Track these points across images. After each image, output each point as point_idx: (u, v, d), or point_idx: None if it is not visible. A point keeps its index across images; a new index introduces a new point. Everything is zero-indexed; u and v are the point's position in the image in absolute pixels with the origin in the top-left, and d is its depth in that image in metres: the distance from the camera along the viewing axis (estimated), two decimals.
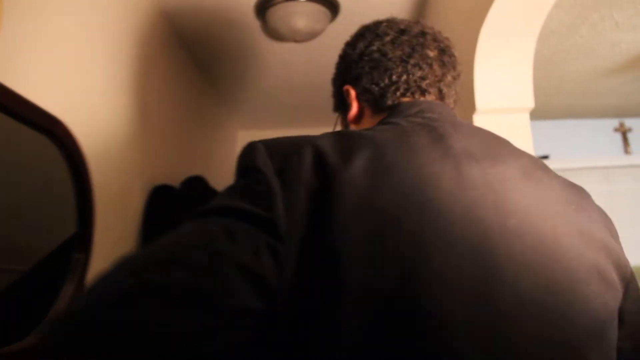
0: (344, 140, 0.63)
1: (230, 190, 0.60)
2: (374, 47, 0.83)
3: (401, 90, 0.80)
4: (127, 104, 1.79)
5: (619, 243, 0.71)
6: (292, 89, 3.12)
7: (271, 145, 0.62)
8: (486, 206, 0.60)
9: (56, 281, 1.35)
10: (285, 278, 0.52)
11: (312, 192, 0.56)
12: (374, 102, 0.82)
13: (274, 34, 2.29)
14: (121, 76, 1.74)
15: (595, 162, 3.45)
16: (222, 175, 3.20)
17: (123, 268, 0.48)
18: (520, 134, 1.41)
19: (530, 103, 1.40)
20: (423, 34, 0.83)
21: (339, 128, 0.92)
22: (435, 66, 0.81)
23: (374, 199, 0.56)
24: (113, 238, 1.63)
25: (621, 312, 0.67)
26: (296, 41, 2.15)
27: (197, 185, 2.28)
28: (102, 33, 1.60)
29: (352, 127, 0.87)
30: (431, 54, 0.82)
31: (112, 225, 1.63)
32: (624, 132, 3.64)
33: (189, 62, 2.61)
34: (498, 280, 0.57)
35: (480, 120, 1.41)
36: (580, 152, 3.58)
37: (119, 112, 1.72)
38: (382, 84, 0.81)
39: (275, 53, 2.63)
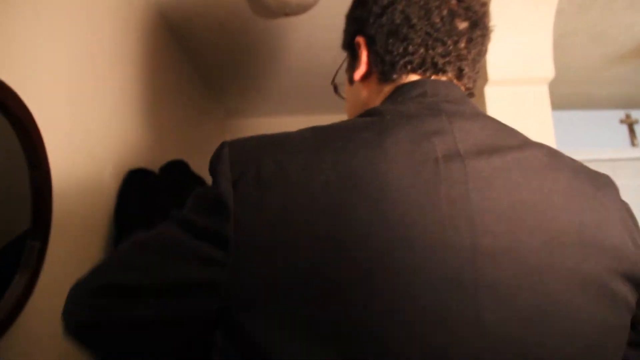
0: (312, 151, 0.60)
1: (192, 198, 0.64)
2: (399, 7, 0.73)
3: (414, 64, 0.73)
4: (101, 83, 1.64)
5: (637, 244, 0.64)
6: (282, 72, 2.96)
7: (236, 151, 0.62)
8: (457, 225, 0.55)
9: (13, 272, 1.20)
10: (231, 285, 0.55)
11: (264, 211, 0.56)
12: (382, 71, 0.75)
13: (262, 9, 2.12)
14: (95, 49, 1.57)
15: (600, 155, 3.31)
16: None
17: (100, 269, 0.65)
18: (538, 109, 1.24)
19: (550, 72, 1.23)
20: (458, 0, 0.73)
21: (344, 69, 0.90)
22: (462, 43, 0.73)
23: (329, 222, 0.54)
24: (78, 224, 1.46)
25: (635, 320, 0.63)
26: (286, 14, 1.98)
27: (177, 169, 2.11)
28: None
29: (356, 86, 0.82)
30: (461, 26, 0.73)
31: (77, 211, 1.45)
32: (630, 124, 3.51)
33: (175, 46, 2.49)
34: (460, 319, 0.53)
35: (492, 93, 1.24)
36: (585, 145, 3.43)
37: (91, 90, 1.55)
38: (395, 53, 0.73)
39: (264, 33, 2.46)
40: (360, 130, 0.62)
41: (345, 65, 0.88)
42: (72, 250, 1.41)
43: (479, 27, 0.75)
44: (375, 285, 0.51)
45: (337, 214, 0.54)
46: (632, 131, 3.50)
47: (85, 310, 0.62)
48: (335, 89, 0.95)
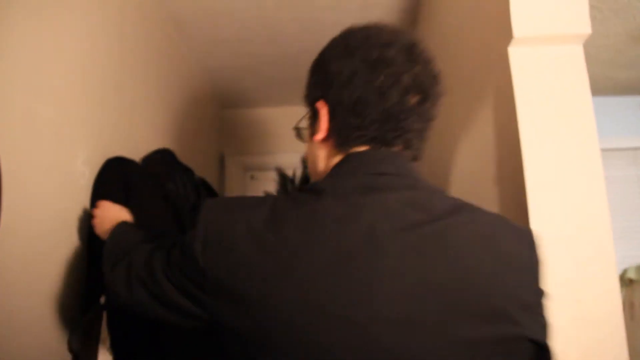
0: (264, 230, 0.74)
1: (177, 244, 0.84)
2: (359, 83, 0.83)
3: (366, 138, 0.84)
4: (80, 65, 1.47)
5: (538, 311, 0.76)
6: (279, 59, 2.76)
7: (212, 226, 0.77)
8: (354, 307, 0.68)
9: None
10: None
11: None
12: (337, 142, 0.86)
13: None
14: (80, 23, 1.38)
15: (620, 143, 3.11)
16: (207, 153, 3.06)
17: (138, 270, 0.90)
18: (571, 71, 1.05)
19: (586, 28, 1.03)
20: (411, 76, 0.83)
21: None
22: (412, 117, 0.83)
23: (261, 291, 0.71)
24: (42, 212, 1.27)
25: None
26: None
27: (162, 159, 1.92)
28: None
29: (315, 144, 0.91)
30: (412, 101, 0.83)
31: (41, 199, 1.27)
32: None
33: (170, 31, 2.34)
34: None
35: (518, 55, 1.05)
36: (603, 133, 3.21)
37: (60, 63, 1.37)
38: (351, 127, 0.84)
39: (260, 16, 2.27)
40: (297, 210, 0.75)
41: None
42: (25, 252, 1.22)
43: (429, 100, 0.86)
44: (287, 342, 0.70)
45: (267, 286, 0.70)
46: None
47: (129, 296, 0.89)
48: (298, 133, 1.05)
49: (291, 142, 3.44)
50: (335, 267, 0.70)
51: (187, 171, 1.97)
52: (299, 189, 0.82)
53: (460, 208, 0.77)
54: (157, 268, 0.84)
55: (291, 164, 3.25)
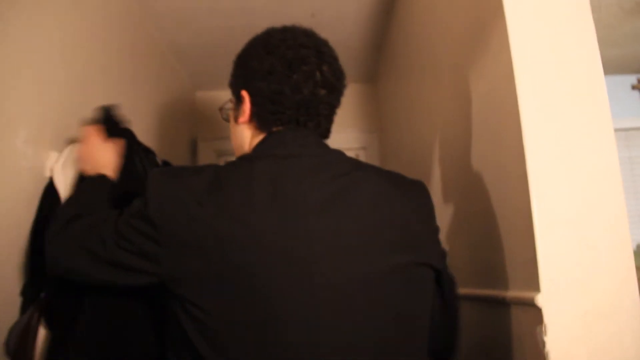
0: (207, 190, 0.88)
1: (131, 209, 0.94)
2: (276, 78, 1.00)
3: (283, 121, 1.01)
4: (25, 35, 1.29)
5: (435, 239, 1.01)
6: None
7: (163, 190, 0.90)
8: (294, 235, 0.85)
9: None
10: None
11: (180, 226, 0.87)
12: (259, 124, 1.04)
13: None
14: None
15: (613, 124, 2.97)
16: (178, 138, 2.94)
17: (75, 228, 1.01)
18: (575, 16, 0.91)
19: None
20: (321, 74, 1.02)
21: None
22: (321, 105, 1.02)
23: (214, 236, 0.84)
24: None
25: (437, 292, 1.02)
26: None
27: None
28: None
29: (240, 126, 1.09)
30: (321, 92, 1.02)
31: None
32: None
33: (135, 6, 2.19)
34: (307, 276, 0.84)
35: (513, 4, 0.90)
36: None
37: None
38: (270, 112, 1.01)
39: None
40: (236, 171, 0.93)
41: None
42: None
43: (334, 92, 1.05)
44: (247, 271, 0.83)
45: (221, 230, 0.84)
46: None
47: (68, 260, 0.99)
48: (223, 115, 1.24)
49: None
50: (272, 212, 0.85)
51: (148, 153, 1.79)
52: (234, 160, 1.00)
53: (362, 165, 1.00)
54: (107, 237, 0.93)
55: None
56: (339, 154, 1.00)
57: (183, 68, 3.02)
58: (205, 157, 3.16)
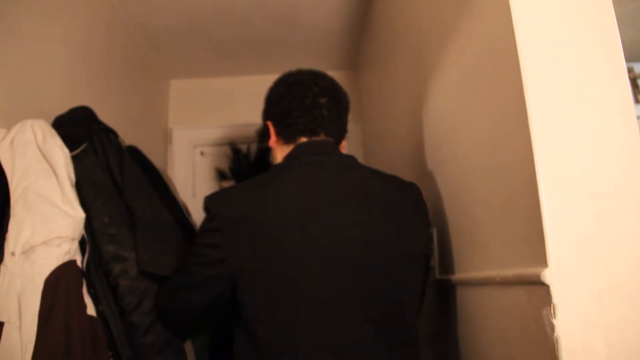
0: (249, 191, 1.21)
1: (198, 233, 1.28)
2: (284, 102, 1.33)
3: (299, 131, 1.30)
4: None
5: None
6: (225, 15, 2.45)
7: (218, 208, 1.21)
8: (309, 225, 1.12)
9: None
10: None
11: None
12: (284, 138, 1.34)
13: None
14: None
15: None
16: (151, 127, 2.84)
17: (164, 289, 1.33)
18: None
19: None
20: (318, 87, 1.32)
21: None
22: (324, 111, 1.30)
23: (262, 231, 1.13)
24: None
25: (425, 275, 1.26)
26: None
27: (78, 118, 1.59)
28: None
29: (273, 149, 1.41)
30: (322, 100, 1.31)
31: None
32: (633, 79, 3.06)
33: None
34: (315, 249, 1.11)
35: None
36: None
37: None
38: (287, 127, 1.32)
39: None
40: (270, 176, 1.23)
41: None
42: None
43: (334, 98, 1.35)
44: (286, 255, 1.10)
45: (262, 226, 1.12)
46: (635, 87, 3.07)
47: (170, 301, 1.31)
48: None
49: (245, 114, 3.14)
50: (301, 207, 1.14)
51: (108, 133, 1.64)
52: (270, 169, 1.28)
53: (367, 169, 1.29)
54: (188, 266, 1.25)
55: (245, 138, 2.94)
56: (350, 158, 1.30)
57: (156, 55, 2.88)
58: (181, 147, 3.01)
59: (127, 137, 1.89)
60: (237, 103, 3.11)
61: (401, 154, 1.85)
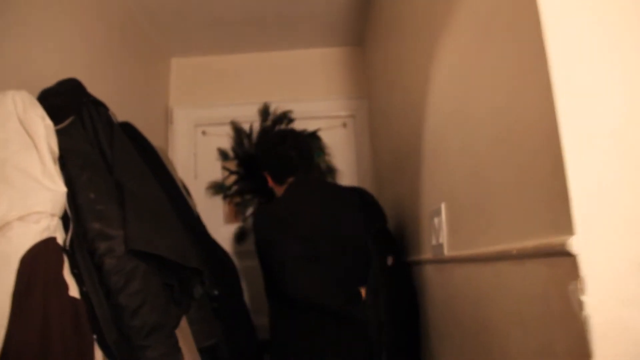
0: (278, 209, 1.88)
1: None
2: (274, 158, 2.02)
3: (287, 174, 1.98)
4: None
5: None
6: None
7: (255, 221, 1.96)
8: (319, 224, 1.81)
9: None
10: None
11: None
12: (277, 181, 2.03)
13: None
14: None
15: None
16: (152, 107, 2.76)
17: None
18: None
19: None
20: (293, 144, 2.02)
21: None
22: (295, 160, 1.98)
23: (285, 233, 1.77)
24: None
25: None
26: None
27: (66, 90, 1.50)
28: None
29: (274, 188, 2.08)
30: (293, 153, 1.99)
31: None
32: None
33: None
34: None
35: None
36: None
37: None
38: (278, 174, 2.01)
39: None
40: (287, 198, 1.91)
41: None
42: None
43: (303, 151, 2.03)
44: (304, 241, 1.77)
45: (289, 229, 1.78)
46: None
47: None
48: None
49: (248, 92, 3.04)
50: (305, 222, 1.80)
51: (98, 106, 1.55)
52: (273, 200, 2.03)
53: (338, 187, 2.16)
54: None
55: (248, 116, 2.84)
56: (328, 184, 2.33)
57: (157, 33, 2.79)
58: (182, 127, 2.92)
59: (127, 116, 1.84)
60: (240, 81, 3.01)
61: (408, 128, 1.75)
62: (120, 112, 1.76)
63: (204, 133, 2.94)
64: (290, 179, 1.95)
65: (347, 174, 2.84)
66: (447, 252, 1.25)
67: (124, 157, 1.47)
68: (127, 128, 1.81)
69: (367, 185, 2.80)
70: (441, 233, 1.28)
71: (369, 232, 1.85)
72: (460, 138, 1.15)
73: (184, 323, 1.45)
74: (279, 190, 1.99)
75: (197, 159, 2.92)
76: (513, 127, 0.84)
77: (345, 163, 2.87)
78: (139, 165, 1.52)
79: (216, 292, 1.63)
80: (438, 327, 1.44)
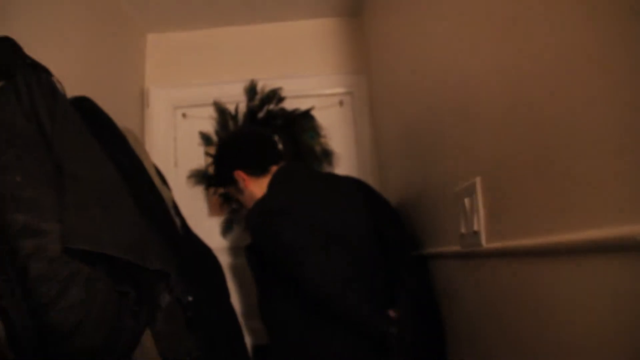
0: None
1: None
2: (248, 140, 1.84)
3: (266, 162, 1.76)
4: None
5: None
6: None
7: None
8: (335, 213, 1.57)
9: None
10: None
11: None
12: (254, 175, 1.76)
13: None
14: None
15: None
16: (125, 87, 2.49)
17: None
18: None
19: None
20: (269, 133, 2.04)
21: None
22: (276, 147, 1.85)
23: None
24: None
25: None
26: None
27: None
28: None
29: (247, 191, 1.80)
30: (272, 139, 1.89)
31: None
32: None
33: None
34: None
35: None
36: None
37: None
38: (259, 160, 1.78)
39: None
40: (283, 187, 1.67)
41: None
42: None
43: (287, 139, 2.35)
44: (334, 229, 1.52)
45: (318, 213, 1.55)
46: None
47: None
48: (225, 198, 2.34)
49: (232, 70, 2.71)
50: (318, 211, 1.55)
51: (39, 71, 1.25)
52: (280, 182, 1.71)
53: (338, 175, 1.84)
54: None
55: (232, 96, 2.52)
56: (322, 172, 2.14)
57: (130, 7, 2.49)
58: (159, 109, 2.60)
59: (98, 99, 1.62)
60: (223, 57, 2.69)
61: (422, 99, 1.44)
62: (91, 93, 1.58)
63: (184, 115, 2.63)
64: (274, 168, 1.72)
65: (345, 157, 2.53)
66: (485, 242, 0.95)
67: (67, 133, 1.16)
68: (85, 103, 1.51)
69: (368, 169, 2.51)
70: (475, 218, 0.98)
71: (383, 224, 1.64)
72: (510, 93, 0.85)
73: (148, 341, 1.15)
74: (260, 184, 1.71)
75: (177, 144, 2.60)
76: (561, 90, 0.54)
77: (343, 145, 2.55)
78: (88, 144, 1.22)
79: (190, 298, 1.31)
80: (471, 342, 1.15)
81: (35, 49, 1.33)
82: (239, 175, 1.73)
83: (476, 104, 0.99)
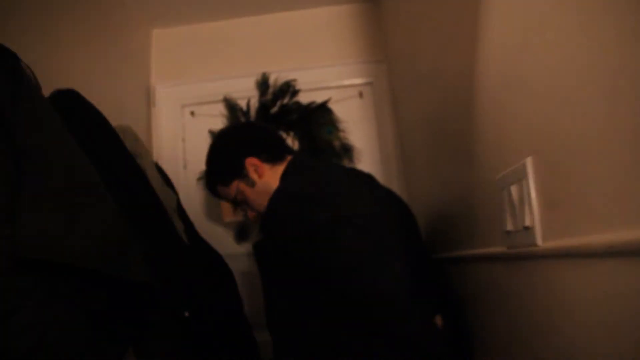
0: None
1: None
2: (257, 134, 1.53)
3: (281, 150, 1.48)
4: None
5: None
6: None
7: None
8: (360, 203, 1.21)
9: None
10: None
11: None
12: (271, 161, 1.45)
13: None
14: None
15: None
16: (130, 85, 2.36)
17: None
18: None
19: None
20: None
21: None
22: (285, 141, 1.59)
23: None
24: None
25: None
26: None
27: None
28: None
29: (260, 183, 1.47)
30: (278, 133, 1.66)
31: None
32: None
33: None
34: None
35: None
36: None
37: None
38: (274, 146, 1.51)
39: None
40: (307, 173, 1.36)
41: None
42: None
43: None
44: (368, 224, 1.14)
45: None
46: None
47: None
48: (236, 203, 1.54)
49: (242, 63, 2.51)
50: (352, 200, 1.21)
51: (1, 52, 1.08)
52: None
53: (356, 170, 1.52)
54: None
55: (243, 91, 2.35)
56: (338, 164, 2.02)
57: (135, 1, 2.36)
58: (166, 107, 2.45)
59: (101, 98, 1.51)
60: (233, 51, 2.53)
61: (453, 82, 1.24)
62: (94, 92, 1.48)
63: (192, 114, 2.46)
64: (289, 157, 1.42)
65: (367, 152, 2.33)
66: (541, 240, 0.75)
67: (31, 121, 0.98)
68: (69, 96, 1.35)
69: (393, 165, 2.31)
70: (527, 210, 0.78)
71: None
72: (543, 85, 0.64)
73: None
74: (275, 173, 1.38)
75: (186, 145, 2.44)
76: None
77: (365, 139, 2.35)
78: (58, 135, 1.04)
79: (187, 314, 1.13)
80: (515, 358, 0.94)
81: (37, 46, 1.21)
82: (252, 163, 1.40)
83: (522, 68, 0.79)
